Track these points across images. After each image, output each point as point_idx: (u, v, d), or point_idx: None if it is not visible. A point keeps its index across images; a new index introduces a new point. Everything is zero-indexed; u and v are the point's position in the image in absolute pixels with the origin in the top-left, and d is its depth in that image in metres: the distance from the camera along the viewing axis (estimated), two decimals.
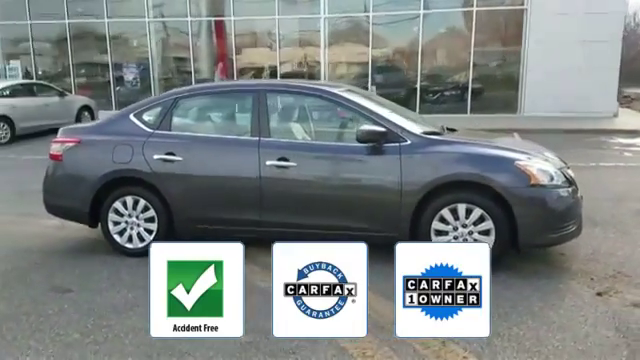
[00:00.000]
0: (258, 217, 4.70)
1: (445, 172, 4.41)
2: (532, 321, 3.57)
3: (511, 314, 3.68)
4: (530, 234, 4.37)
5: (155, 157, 4.77)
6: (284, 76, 17.80)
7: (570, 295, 4.00)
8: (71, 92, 17.47)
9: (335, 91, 4.88)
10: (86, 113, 15.31)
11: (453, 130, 5.43)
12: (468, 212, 4.38)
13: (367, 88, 17.52)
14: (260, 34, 19.04)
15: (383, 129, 4.49)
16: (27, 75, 19.47)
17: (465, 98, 17.64)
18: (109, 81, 19.16)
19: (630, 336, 3.35)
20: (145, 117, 4.99)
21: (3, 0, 19.46)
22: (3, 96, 13.33)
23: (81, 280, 4.37)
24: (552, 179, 4.41)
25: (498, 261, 4.47)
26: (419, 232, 4.46)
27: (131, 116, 5.01)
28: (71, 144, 5.01)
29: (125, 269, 4.57)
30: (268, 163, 4.59)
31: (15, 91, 13.87)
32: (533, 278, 4.32)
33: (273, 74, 18.09)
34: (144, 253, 4.75)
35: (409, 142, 4.51)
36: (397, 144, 4.49)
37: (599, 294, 4.02)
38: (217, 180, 4.76)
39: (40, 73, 19.89)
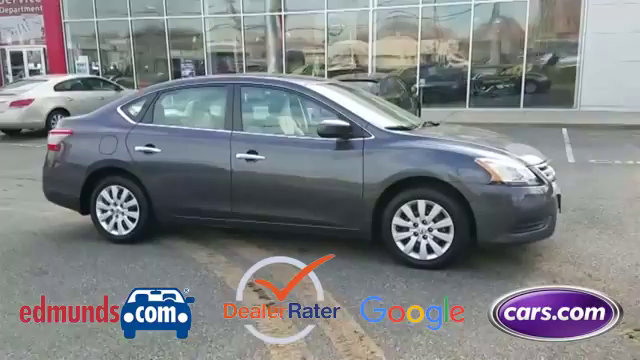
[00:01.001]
0: (229, 209, 4.84)
1: (404, 168, 4.38)
2: (455, 321, 3.49)
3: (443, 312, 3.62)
4: (490, 232, 4.27)
5: (136, 148, 5.02)
6: (333, 73, 17.87)
7: None
8: (134, 87, 18.35)
9: (304, 84, 4.92)
10: None
11: (435, 124, 5.36)
12: (428, 208, 4.33)
13: (415, 81, 17.33)
14: (310, 28, 19.17)
15: (346, 124, 4.51)
16: (94, 71, 20.63)
17: (518, 92, 17.05)
18: (168, 77, 19.93)
19: (561, 342, 3.23)
20: (131, 110, 5.25)
21: None
22: (62, 89, 14.22)
23: (60, 264, 4.66)
24: (518, 177, 4.27)
25: (464, 259, 4.45)
26: (381, 228, 4.46)
27: (118, 109, 5.29)
28: (64, 135, 5.35)
29: (103, 256, 4.82)
30: (238, 156, 4.72)
31: (74, 85, 14.80)
32: (491, 278, 4.22)
33: (322, 68, 18.21)
34: (128, 240, 5.09)
35: (373, 137, 4.50)
36: (361, 139, 4.50)
37: None
38: (192, 171, 4.94)
39: (108, 69, 20.99)
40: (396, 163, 4.40)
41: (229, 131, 4.83)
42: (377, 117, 4.86)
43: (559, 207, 4.66)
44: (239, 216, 4.84)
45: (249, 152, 4.70)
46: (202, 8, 19.11)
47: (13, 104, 13.23)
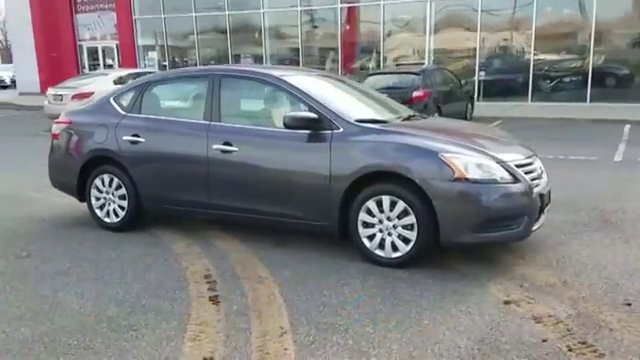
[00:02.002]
0: (207, 200, 4.88)
1: (368, 162, 4.24)
2: (395, 322, 3.34)
3: (381, 312, 3.48)
4: (452, 231, 4.05)
5: (124, 138, 5.17)
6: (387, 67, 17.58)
7: (472, 300, 3.65)
8: None
9: (278, 75, 4.86)
10: None
11: (423, 118, 5.16)
12: (393, 205, 4.17)
13: (474, 74, 16.78)
14: (368, 22, 18.96)
15: (313, 116, 4.42)
16: (163, 66, 21.46)
17: (585, 85, 16.07)
18: None
19: (487, 350, 3.01)
20: (122, 101, 5.40)
21: None
22: (121, 83, 14.90)
23: (46, 249, 4.85)
24: (487, 174, 4.03)
25: (439, 258, 4.27)
26: (348, 223, 4.34)
27: (111, 99, 5.46)
28: (65, 125, 5.59)
29: (89, 242, 4.98)
30: (214, 147, 4.74)
31: (133, 79, 15.45)
32: (454, 280, 4.00)
33: (378, 62, 17.97)
34: (119, 228, 5.26)
35: (341, 130, 4.39)
36: (330, 131, 4.40)
37: (506, 302, 3.62)
38: (174, 162, 5.00)
39: (176, 64, 21.77)
40: (361, 157, 4.27)
41: (207, 122, 4.87)
42: (351, 110, 4.72)
43: (543, 206, 4.35)
44: (216, 207, 4.87)
45: (224, 144, 4.71)
46: (262, 3, 19.36)
47: (75, 97, 14.00)
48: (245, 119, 4.90)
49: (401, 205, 4.13)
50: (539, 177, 4.42)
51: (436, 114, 10.82)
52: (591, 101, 15.88)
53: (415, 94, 11.43)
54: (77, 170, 5.43)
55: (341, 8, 18.36)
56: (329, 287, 3.89)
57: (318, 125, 4.40)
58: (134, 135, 5.13)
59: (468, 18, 17.12)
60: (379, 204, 4.21)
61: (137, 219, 5.31)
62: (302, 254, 4.56)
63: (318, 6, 18.92)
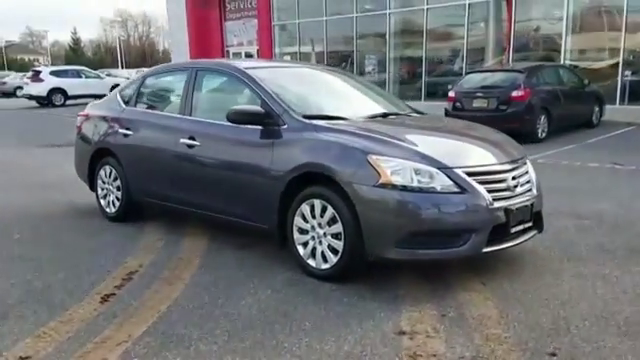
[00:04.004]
0: (177, 194, 4.82)
1: (300, 161, 3.85)
2: (251, 341, 2.95)
3: (254, 328, 3.09)
4: (377, 244, 3.51)
5: (119, 131, 5.31)
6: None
7: (365, 326, 3.09)
8: None
9: (241, 66, 4.60)
10: None
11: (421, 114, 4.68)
12: (324, 210, 3.73)
13: (617, 74, 14.73)
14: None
15: (259, 110, 4.12)
16: None
17: None
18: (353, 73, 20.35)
19: None
20: (125, 94, 5.55)
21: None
22: None
23: (35, 234, 5.07)
24: (423, 181, 3.42)
25: (382, 273, 3.78)
26: (286, 227, 3.99)
27: (118, 93, 5.65)
28: (83, 117, 5.90)
29: (76, 231, 5.16)
30: (181, 141, 4.66)
31: None
32: (373, 300, 3.46)
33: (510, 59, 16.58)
34: (116, 218, 5.42)
35: (286, 126, 4.04)
36: (277, 127, 4.07)
37: (400, 333, 3.02)
38: (152, 155, 5.00)
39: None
40: (296, 156, 3.89)
41: (181, 116, 4.81)
42: (310, 106, 4.34)
43: (511, 223, 3.59)
44: (181, 202, 4.80)
45: (189, 138, 4.61)
46: (387, 4, 18.97)
47: None
48: (212, 113, 4.72)
49: (330, 211, 3.68)
50: (508, 189, 3.65)
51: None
52: None
53: (514, 94, 10.34)
54: (87, 160, 5.70)
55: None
56: (240, 297, 3.55)
57: (267, 121, 4.09)
58: (126, 128, 5.25)
59: (610, 18, 15.05)
60: (312, 208, 3.79)
61: (131, 211, 5.40)
62: (249, 258, 4.28)
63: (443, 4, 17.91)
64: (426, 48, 18.59)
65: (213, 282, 3.79)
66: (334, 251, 3.69)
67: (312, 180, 3.80)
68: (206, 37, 25.07)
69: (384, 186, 3.43)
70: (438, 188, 3.43)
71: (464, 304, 3.38)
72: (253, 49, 24.32)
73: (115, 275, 3.97)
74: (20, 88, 29.80)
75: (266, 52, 23.09)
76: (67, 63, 51.53)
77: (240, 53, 25.11)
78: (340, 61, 21.34)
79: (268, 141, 4.07)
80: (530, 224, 3.80)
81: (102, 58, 71.80)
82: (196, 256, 4.37)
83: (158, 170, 4.96)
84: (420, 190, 3.42)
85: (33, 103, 24.22)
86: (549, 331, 3.01)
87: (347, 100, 4.85)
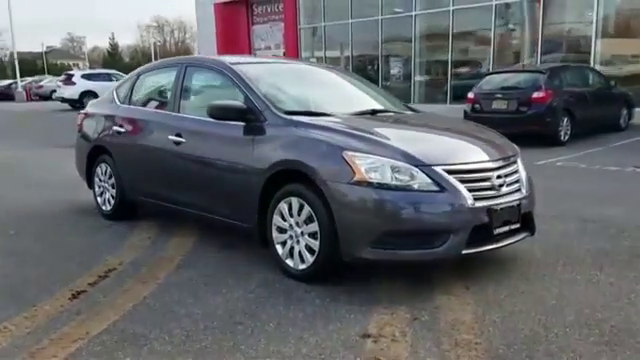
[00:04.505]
0: (166, 192, 4.76)
1: (278, 158, 3.74)
2: (208, 343, 2.85)
3: (215, 328, 2.99)
4: (351, 244, 3.37)
5: (113, 129, 5.29)
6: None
7: (330, 327, 2.96)
8: None
9: (227, 62, 4.51)
10: None
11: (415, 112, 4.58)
12: (301, 208, 3.61)
13: None
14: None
15: (240, 106, 4.03)
16: None
17: None
18: (377, 76, 20.17)
19: None
20: (120, 92, 5.53)
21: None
22: None
23: (33, 229, 5.09)
24: (400, 179, 3.28)
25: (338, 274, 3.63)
26: (266, 226, 3.88)
27: (114, 90, 5.63)
28: (82, 116, 5.92)
29: (67, 228, 5.13)
30: (169, 138, 4.61)
31: None
32: (348, 302, 3.31)
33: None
34: (111, 216, 5.40)
35: (267, 122, 3.93)
36: (259, 124, 3.96)
37: (364, 336, 2.87)
38: (143, 153, 4.95)
39: None
40: (274, 152, 3.78)
41: (169, 113, 4.76)
42: (296, 102, 4.24)
43: (495, 224, 3.41)
44: (171, 200, 4.73)
45: (176, 135, 4.55)
46: (413, 6, 18.75)
47: None
48: (198, 109, 4.64)
49: (307, 209, 3.55)
50: (493, 188, 3.46)
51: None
52: None
53: (535, 95, 10.01)
54: (85, 158, 5.70)
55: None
56: (201, 296, 3.45)
57: (249, 116, 4.00)
58: (119, 126, 5.23)
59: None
60: (291, 207, 3.68)
61: (126, 209, 5.37)
62: (231, 258, 4.18)
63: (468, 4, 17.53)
64: (452, 50, 18.30)
65: (187, 281, 3.70)
66: (311, 251, 3.56)
67: (290, 177, 3.68)
68: (234, 41, 25.23)
69: (359, 184, 3.29)
70: (415, 186, 3.28)
71: (440, 308, 3.21)
72: (280, 53, 24.36)
73: (93, 272, 3.91)
74: (55, 91, 30.56)
75: (292, 55, 23.08)
76: (104, 67, 52.65)
77: (266, 56, 25.19)
78: (366, 64, 21.21)
79: (249, 137, 3.97)
80: (517, 225, 3.59)
81: (139, 63, 73.14)
82: (179, 255, 4.29)
83: (149, 168, 4.92)
84: (396, 188, 3.27)
85: (66, 106, 24.76)
86: (524, 338, 2.82)
87: (336, 97, 4.72)
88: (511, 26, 17.74)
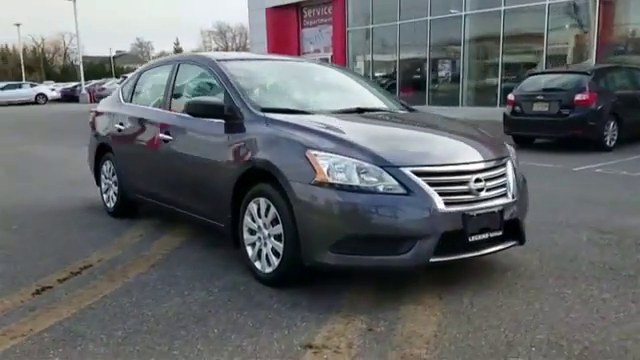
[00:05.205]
0: (157, 191, 4.73)
1: (247, 157, 3.61)
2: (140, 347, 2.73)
3: (155, 332, 2.87)
4: (311, 248, 3.18)
5: (115, 127, 5.31)
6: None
7: (277, 335, 2.78)
8: (395, 88, 18.88)
9: (215, 58, 4.40)
10: None
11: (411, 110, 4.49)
12: (268, 209, 3.46)
13: None
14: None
15: (217, 102, 3.92)
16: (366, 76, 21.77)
17: None
18: (425, 78, 19.75)
19: None
20: (125, 90, 5.54)
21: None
22: None
23: (35, 227, 5.10)
24: (366, 180, 3.07)
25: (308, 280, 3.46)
26: (239, 227, 3.75)
27: (119, 89, 5.66)
28: (94, 113, 5.98)
29: (71, 227, 5.11)
30: (159, 136, 4.57)
31: None
32: (306, 309, 3.13)
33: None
34: (114, 214, 5.43)
35: (244, 119, 3.80)
36: (239, 121, 3.84)
37: (307, 346, 2.68)
38: (137, 150, 4.94)
39: (378, 74, 21.91)
40: (245, 151, 3.65)
41: (161, 110, 4.72)
42: (276, 98, 4.11)
43: (469, 231, 3.14)
44: (161, 199, 4.69)
45: (165, 132, 4.50)
46: (463, 5, 18.24)
47: None
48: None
49: (272, 210, 3.40)
50: (470, 192, 3.20)
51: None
52: None
53: (578, 97, 9.44)
54: (94, 155, 5.76)
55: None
56: (160, 297, 3.35)
57: (228, 114, 3.88)
58: (120, 124, 5.24)
59: None
60: (259, 208, 3.53)
61: (127, 206, 5.36)
62: (209, 259, 4.08)
63: None
64: (503, 52, 17.68)
65: (154, 281, 3.61)
66: (277, 254, 3.40)
67: (260, 177, 3.53)
68: (284, 45, 25.31)
69: (320, 184, 3.11)
70: (380, 188, 3.06)
71: (403, 318, 2.98)
72: (328, 56, 24.27)
73: (67, 269, 3.89)
74: None
75: (339, 58, 22.97)
76: None
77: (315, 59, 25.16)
78: (413, 66, 20.83)
79: (225, 135, 3.86)
80: (499, 233, 3.29)
81: None
82: (160, 254, 4.22)
83: (143, 166, 4.90)
84: (359, 190, 3.06)
85: None
86: (482, 356, 2.56)
87: (324, 94, 4.54)
88: (566, 27, 16.95)
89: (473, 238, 3.17)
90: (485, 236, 3.23)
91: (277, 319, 2.99)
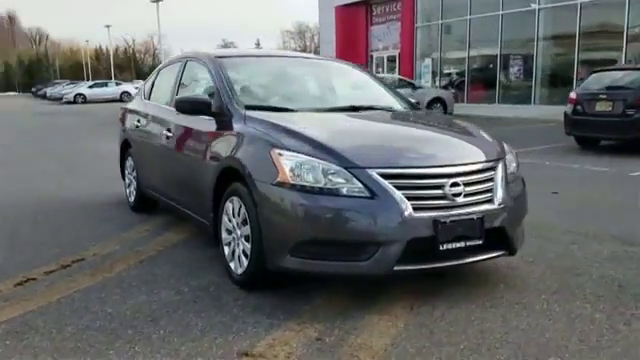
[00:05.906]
0: (162, 186, 4.77)
1: (224, 155, 3.55)
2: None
3: (109, 330, 2.85)
4: (274, 251, 3.05)
5: (134, 124, 5.41)
6: None
7: (217, 342, 2.68)
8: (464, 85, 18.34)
9: (213, 55, 4.35)
10: (438, 104, 15.94)
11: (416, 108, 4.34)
12: (240, 209, 3.37)
13: None
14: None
15: (204, 99, 3.87)
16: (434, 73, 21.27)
17: None
18: (496, 74, 18.97)
19: None
20: (145, 88, 5.63)
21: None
22: None
23: (55, 220, 5.24)
24: (330, 181, 2.91)
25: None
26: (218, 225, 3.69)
27: (142, 87, 5.75)
28: (123, 111, 6.12)
29: (88, 220, 5.19)
30: (163, 132, 4.60)
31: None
32: (267, 315, 3.00)
33: None
34: (134, 208, 5.54)
35: (229, 117, 3.72)
36: (227, 118, 3.77)
37: (244, 354, 2.55)
38: (147, 147, 5.01)
39: (445, 71, 21.31)
40: (224, 149, 3.57)
41: (167, 107, 4.74)
42: (265, 96, 4.01)
43: (441, 239, 2.90)
44: (164, 194, 4.74)
45: (167, 129, 4.52)
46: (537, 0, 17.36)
47: None
48: None
49: (242, 211, 3.30)
50: (445, 197, 2.95)
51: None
52: None
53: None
54: (119, 151, 5.91)
55: None
56: (128, 295, 3.31)
57: (215, 111, 3.82)
58: (138, 121, 5.33)
59: None
60: (234, 207, 3.45)
61: (145, 201, 5.41)
62: (197, 257, 4.03)
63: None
64: (579, 48, 16.66)
65: (132, 278, 3.60)
66: (247, 255, 3.29)
67: (236, 176, 3.44)
68: (353, 43, 25.23)
69: (281, 185, 2.97)
70: (343, 191, 2.89)
71: (360, 328, 2.79)
72: (396, 53, 23.89)
73: (60, 262, 3.96)
74: None
75: (407, 55, 22.56)
76: None
77: (382, 57, 24.86)
78: (484, 63, 20.09)
79: (211, 133, 3.80)
80: (479, 242, 3.02)
81: None
82: (154, 251, 4.22)
83: (153, 162, 4.95)
84: (320, 192, 2.90)
85: None
86: None
87: (317, 92, 4.38)
88: None
89: (446, 246, 2.92)
90: (460, 245, 2.96)
91: (229, 323, 2.89)
